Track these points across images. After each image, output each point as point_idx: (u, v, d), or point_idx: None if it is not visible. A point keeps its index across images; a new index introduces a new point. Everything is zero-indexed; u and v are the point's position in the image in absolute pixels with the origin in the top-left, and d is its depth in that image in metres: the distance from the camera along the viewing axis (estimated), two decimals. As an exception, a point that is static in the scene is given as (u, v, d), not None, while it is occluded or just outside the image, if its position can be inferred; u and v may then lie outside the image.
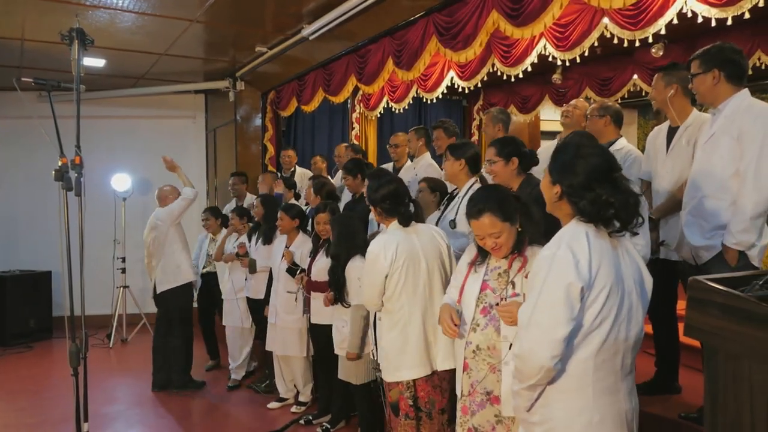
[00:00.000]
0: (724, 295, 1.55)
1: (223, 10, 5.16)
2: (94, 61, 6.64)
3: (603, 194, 1.77)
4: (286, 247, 4.61)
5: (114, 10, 5.07)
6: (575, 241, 1.76)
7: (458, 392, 2.53)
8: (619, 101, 6.71)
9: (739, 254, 2.70)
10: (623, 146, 3.78)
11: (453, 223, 3.36)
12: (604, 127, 3.79)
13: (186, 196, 5.21)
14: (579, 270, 1.71)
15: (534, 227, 2.40)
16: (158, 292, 5.20)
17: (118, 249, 7.60)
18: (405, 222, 2.94)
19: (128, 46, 6.11)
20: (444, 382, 2.90)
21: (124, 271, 7.48)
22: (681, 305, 3.28)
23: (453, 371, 2.89)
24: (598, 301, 1.74)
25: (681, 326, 2.99)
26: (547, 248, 1.82)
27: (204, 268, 6.02)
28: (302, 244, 4.57)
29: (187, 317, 5.27)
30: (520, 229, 2.38)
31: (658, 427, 3.06)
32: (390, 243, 2.87)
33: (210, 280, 6.00)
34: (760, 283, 1.60)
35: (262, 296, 4.98)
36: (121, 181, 7.69)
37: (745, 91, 2.80)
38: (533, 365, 1.74)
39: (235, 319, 5.45)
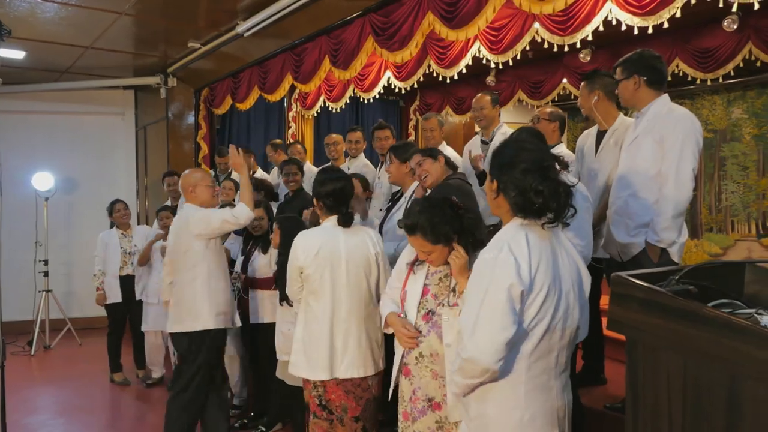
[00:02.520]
0: (643, 290, 1.62)
1: (153, 3, 4.99)
2: (11, 53, 6.28)
3: (532, 182, 1.77)
4: None
5: (35, -1, 4.83)
6: (515, 244, 1.77)
7: (399, 397, 2.51)
8: (550, 104, 6.94)
9: (661, 251, 2.85)
10: (562, 151, 3.91)
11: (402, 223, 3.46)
12: (552, 132, 3.92)
13: (238, 215, 3.47)
14: (520, 273, 1.73)
15: (477, 227, 2.40)
16: (168, 330, 3.67)
17: (40, 251, 7.21)
18: (346, 222, 2.86)
19: (51, 38, 5.82)
20: (359, 389, 2.82)
21: (46, 274, 7.11)
22: (605, 300, 3.42)
23: (377, 378, 2.89)
24: (536, 303, 1.76)
25: (605, 320, 3.11)
26: (488, 251, 1.82)
27: (121, 269, 5.56)
28: (230, 244, 4.53)
29: (203, 379, 3.54)
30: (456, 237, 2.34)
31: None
32: (313, 239, 2.83)
33: (128, 283, 5.55)
34: (676, 278, 1.68)
35: None
36: (43, 180, 7.29)
37: (666, 97, 2.95)
38: (478, 368, 1.75)
39: (164, 323, 5.28)
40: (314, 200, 2.97)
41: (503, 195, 1.84)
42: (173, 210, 5.44)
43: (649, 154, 2.88)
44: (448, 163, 3.44)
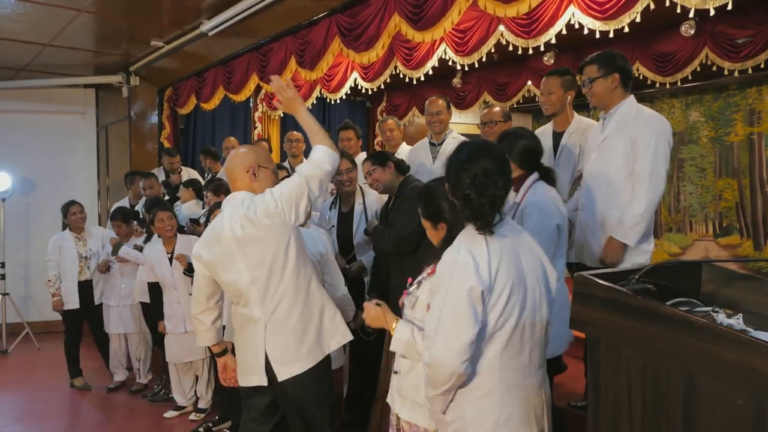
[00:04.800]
0: (604, 289, 1.66)
1: (115, 0, 4.88)
2: (-35, 49, 6.09)
3: (471, 194, 1.77)
4: (169, 253, 4.44)
5: (-10, -6, 4.68)
6: (474, 245, 1.79)
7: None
8: (515, 106, 7.03)
9: (625, 248, 2.86)
10: None
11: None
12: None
13: (321, 160, 2.47)
14: (479, 273, 1.74)
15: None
16: (280, 379, 2.45)
17: (-3, 254, 7.00)
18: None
19: (7, 34, 5.64)
20: None
21: (3, 277, 6.90)
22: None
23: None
24: (500, 302, 1.77)
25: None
26: (449, 252, 1.83)
27: (79, 274, 5.36)
28: (185, 246, 4.37)
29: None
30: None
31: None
32: None
33: (85, 288, 5.40)
34: (636, 277, 1.72)
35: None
36: (0, 181, 7.07)
37: (632, 98, 2.99)
38: (444, 372, 1.74)
39: (128, 325, 5.22)
40: None
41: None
42: (131, 213, 5.31)
43: (621, 155, 2.89)
44: (399, 167, 3.49)
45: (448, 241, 1.93)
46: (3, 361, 6.51)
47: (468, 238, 1.83)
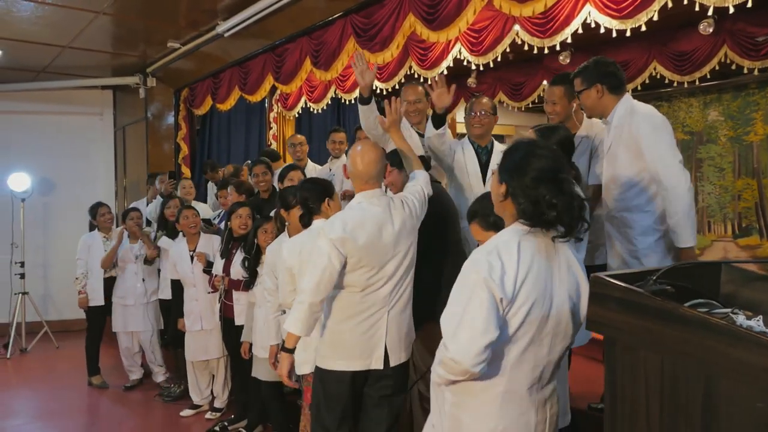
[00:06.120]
0: (621, 290, 1.64)
1: (132, 2, 4.94)
2: (-13, 52, 6.19)
3: (546, 194, 1.70)
4: (191, 250, 4.50)
5: (10, -3, 4.75)
6: (505, 251, 1.72)
7: None
8: (530, 105, 6.99)
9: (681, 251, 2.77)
10: None
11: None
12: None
13: (423, 179, 2.85)
14: (504, 282, 1.68)
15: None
16: (392, 364, 2.65)
17: (17, 253, 7.09)
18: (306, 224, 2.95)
19: (27, 37, 5.73)
20: None
21: (23, 276, 6.99)
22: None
23: None
24: (518, 315, 1.71)
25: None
26: (478, 252, 1.77)
27: (105, 271, 5.51)
28: (207, 244, 4.50)
29: None
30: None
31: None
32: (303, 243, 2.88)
33: (110, 286, 5.51)
34: (654, 278, 1.70)
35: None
36: (19, 181, 7.16)
37: (626, 97, 2.93)
38: (459, 369, 1.70)
39: (147, 323, 5.29)
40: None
41: (512, 200, 1.77)
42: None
43: (626, 162, 2.86)
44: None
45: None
46: (22, 360, 6.61)
47: (501, 242, 1.76)
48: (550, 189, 1.70)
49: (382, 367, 2.57)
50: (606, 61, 2.97)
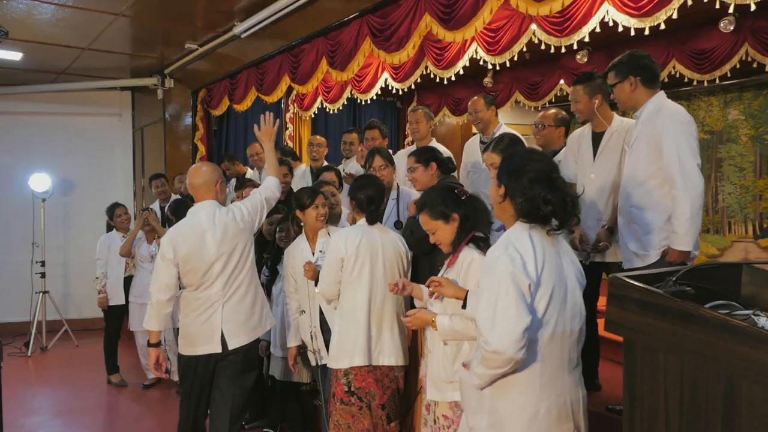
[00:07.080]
0: (640, 291, 1.63)
1: (150, 4, 4.98)
2: (9, 54, 6.27)
3: (541, 192, 1.88)
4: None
5: (32, 0, 4.81)
6: (520, 243, 1.87)
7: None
8: (547, 105, 6.94)
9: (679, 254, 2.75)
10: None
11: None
12: (557, 137, 3.90)
13: (272, 187, 3.35)
14: (527, 268, 1.82)
15: (480, 215, 2.52)
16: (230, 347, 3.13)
17: (37, 252, 7.19)
18: (371, 220, 3.10)
19: (48, 39, 5.81)
20: (386, 378, 3.00)
21: (43, 275, 7.09)
22: (602, 302, 3.41)
23: (401, 370, 3.07)
24: (544, 299, 1.84)
25: (602, 322, 3.11)
26: (495, 250, 1.91)
27: (126, 271, 5.65)
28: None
29: None
30: (458, 224, 2.49)
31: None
32: (353, 233, 3.03)
33: (130, 284, 5.60)
34: (674, 279, 1.68)
35: None
36: (40, 182, 7.25)
37: (659, 95, 2.93)
38: (503, 359, 1.79)
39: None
40: (350, 200, 3.20)
41: (510, 200, 1.95)
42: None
43: (646, 157, 2.86)
44: (443, 167, 3.39)
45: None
46: (43, 358, 6.71)
47: (514, 237, 1.90)
48: (545, 187, 1.90)
49: (220, 351, 3.05)
50: (640, 54, 2.98)
